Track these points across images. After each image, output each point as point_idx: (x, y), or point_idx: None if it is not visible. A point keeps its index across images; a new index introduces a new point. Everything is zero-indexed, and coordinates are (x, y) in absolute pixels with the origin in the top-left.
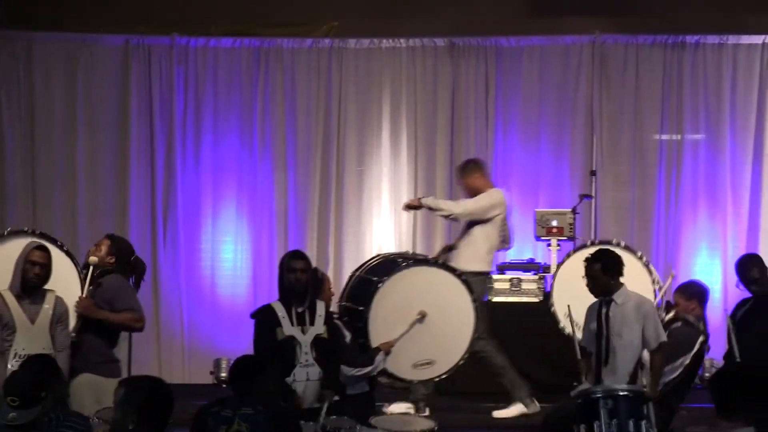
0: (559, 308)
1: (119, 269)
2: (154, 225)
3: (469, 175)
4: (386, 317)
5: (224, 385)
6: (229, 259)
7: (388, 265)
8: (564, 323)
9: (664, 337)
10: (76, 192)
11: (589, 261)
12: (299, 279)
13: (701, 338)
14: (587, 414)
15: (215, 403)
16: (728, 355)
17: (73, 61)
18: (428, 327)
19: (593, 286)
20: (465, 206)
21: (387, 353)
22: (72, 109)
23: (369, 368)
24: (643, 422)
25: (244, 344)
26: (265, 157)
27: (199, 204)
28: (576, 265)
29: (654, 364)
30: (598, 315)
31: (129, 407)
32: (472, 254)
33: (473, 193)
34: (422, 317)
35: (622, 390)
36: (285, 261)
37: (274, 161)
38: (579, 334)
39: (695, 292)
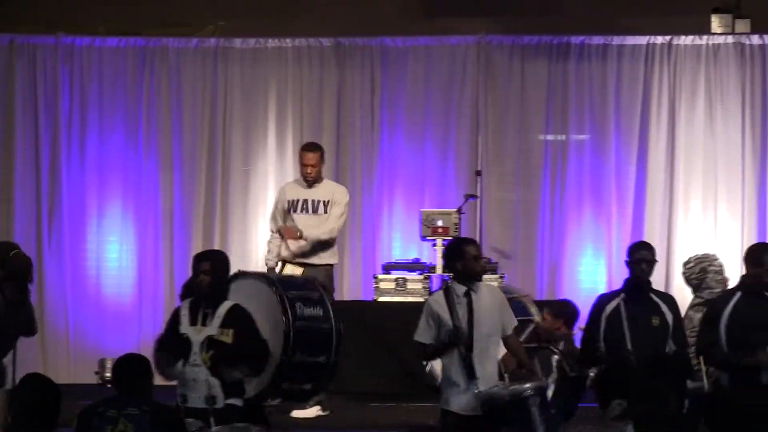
0: None
1: None
2: (39, 225)
3: (323, 162)
4: None
5: (109, 385)
6: (115, 259)
7: None
8: None
9: (515, 321)
10: None
11: (467, 241)
12: (203, 280)
13: (557, 357)
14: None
15: (100, 402)
16: (589, 346)
17: None
18: None
19: (469, 267)
20: (331, 229)
21: None
22: None
23: None
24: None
25: (130, 344)
26: (151, 157)
27: (85, 203)
28: None
29: (514, 345)
30: (451, 307)
31: (19, 407)
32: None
33: (318, 178)
34: None
35: (529, 389)
36: (193, 262)
37: (159, 161)
38: None
39: (564, 313)
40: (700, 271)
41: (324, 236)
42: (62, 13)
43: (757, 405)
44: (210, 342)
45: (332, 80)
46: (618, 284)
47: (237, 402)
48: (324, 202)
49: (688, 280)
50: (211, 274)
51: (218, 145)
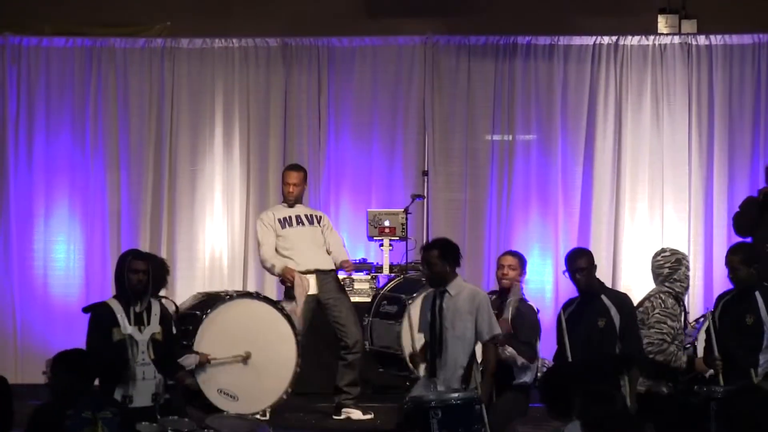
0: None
1: None
2: None
3: (306, 185)
4: (217, 335)
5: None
6: (62, 259)
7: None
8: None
9: (497, 330)
10: None
11: (426, 247)
12: (140, 280)
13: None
14: (418, 420)
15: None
16: (559, 355)
17: None
18: (250, 367)
19: (429, 272)
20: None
21: (200, 364)
22: None
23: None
24: (475, 426)
25: (78, 343)
26: (98, 157)
27: (32, 204)
28: None
29: (487, 356)
30: (432, 306)
31: None
32: None
33: (299, 199)
34: (246, 358)
35: (454, 399)
36: (126, 260)
37: (106, 161)
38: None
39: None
40: (675, 261)
41: (341, 244)
42: (9, 13)
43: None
44: (153, 340)
45: (279, 80)
46: (564, 284)
47: (166, 396)
48: (316, 216)
49: (660, 268)
50: (147, 273)
51: (165, 145)
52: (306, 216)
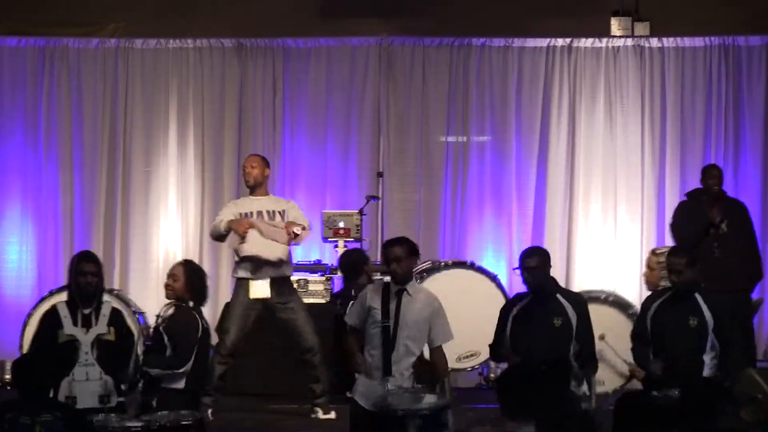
0: None
1: None
2: None
3: (268, 170)
4: None
5: (8, 387)
6: (14, 260)
7: None
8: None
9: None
10: None
11: (394, 243)
12: (90, 282)
13: None
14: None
15: (7, 407)
16: (495, 346)
17: None
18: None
19: (400, 267)
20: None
21: None
22: None
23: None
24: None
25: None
26: (51, 158)
27: None
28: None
29: (439, 362)
30: (387, 302)
31: None
32: None
33: (262, 184)
34: None
35: (430, 407)
36: (75, 263)
37: (59, 161)
38: None
39: None
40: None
41: (306, 223)
42: None
43: None
44: (98, 341)
45: (234, 81)
46: (518, 284)
47: (121, 399)
48: (279, 212)
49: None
50: (97, 275)
51: (119, 146)
52: (268, 212)
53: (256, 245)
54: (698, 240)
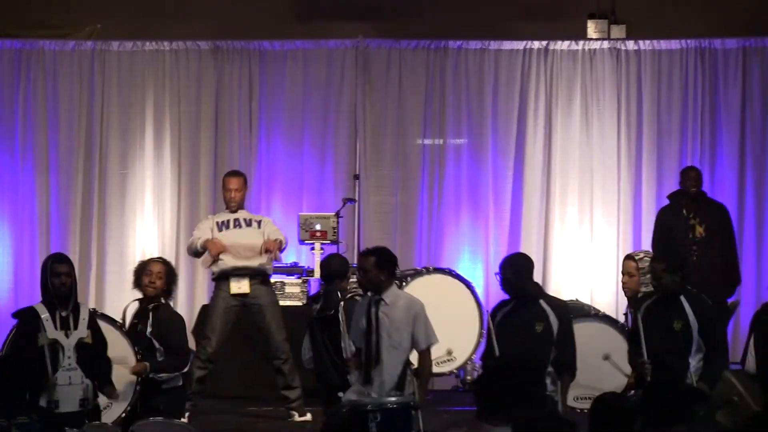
0: None
1: None
2: None
3: (246, 189)
4: None
5: None
6: None
7: None
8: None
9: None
10: None
11: (364, 253)
12: (64, 283)
13: None
14: (355, 425)
15: None
16: (487, 356)
17: None
18: None
19: (364, 279)
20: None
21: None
22: None
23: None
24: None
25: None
26: (27, 160)
27: None
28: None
29: (424, 364)
30: (368, 314)
31: None
32: None
33: (241, 204)
34: None
35: (390, 403)
36: (48, 264)
37: (36, 164)
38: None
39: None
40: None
41: (281, 237)
42: None
43: None
44: (80, 345)
45: (210, 83)
46: (494, 287)
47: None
48: (256, 220)
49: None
50: (70, 276)
51: (95, 148)
52: (245, 219)
53: (230, 259)
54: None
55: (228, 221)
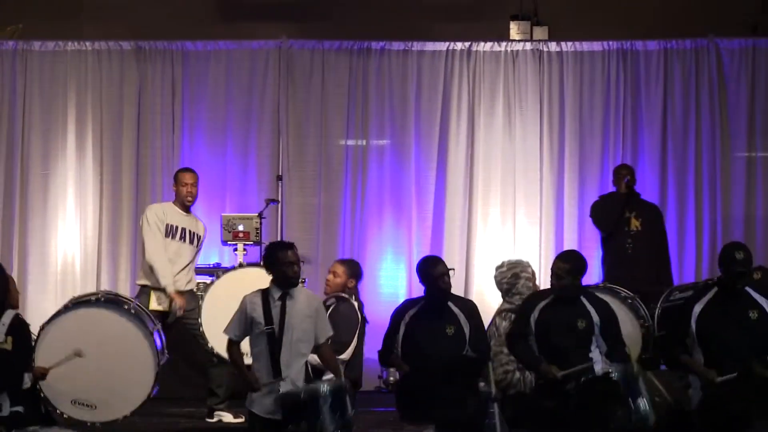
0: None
1: None
2: None
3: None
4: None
5: None
6: None
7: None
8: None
9: (330, 332)
10: None
11: (288, 246)
12: None
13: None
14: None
15: None
16: (384, 353)
17: None
18: (105, 373)
19: (293, 272)
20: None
21: (40, 377)
22: None
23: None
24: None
25: None
26: None
27: None
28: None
29: (326, 355)
30: (268, 308)
31: None
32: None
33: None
34: (78, 354)
35: (334, 385)
36: None
37: None
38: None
39: (357, 272)
40: (512, 276)
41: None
42: None
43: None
44: None
45: (132, 83)
46: (417, 288)
47: (20, 409)
48: (197, 236)
49: (499, 284)
50: None
51: (17, 149)
52: (190, 232)
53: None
54: (615, 223)
55: (176, 229)
